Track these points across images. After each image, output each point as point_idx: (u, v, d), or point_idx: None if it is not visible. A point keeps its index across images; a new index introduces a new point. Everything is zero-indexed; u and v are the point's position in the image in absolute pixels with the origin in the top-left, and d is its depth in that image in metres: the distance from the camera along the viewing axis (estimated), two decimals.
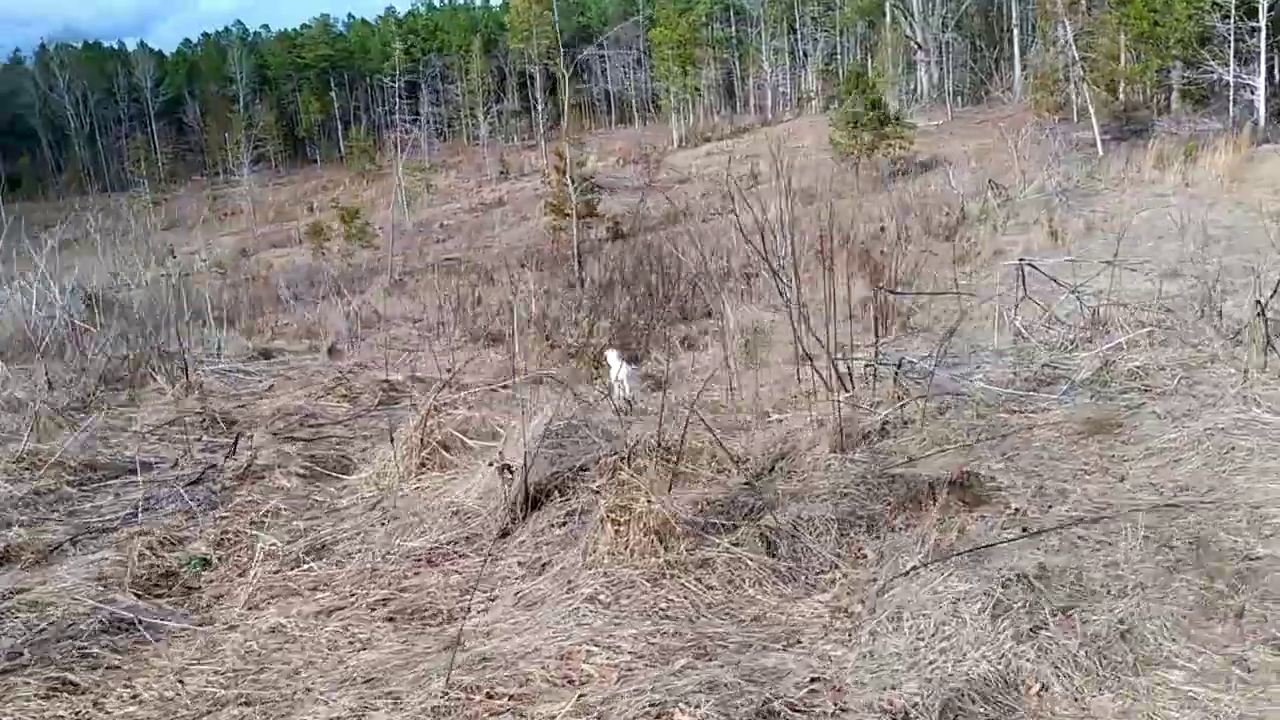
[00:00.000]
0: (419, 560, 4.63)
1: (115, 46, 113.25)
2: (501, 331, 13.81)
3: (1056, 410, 6.41)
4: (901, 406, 6.69)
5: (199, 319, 23.02)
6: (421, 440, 5.99)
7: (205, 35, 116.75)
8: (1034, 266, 9.58)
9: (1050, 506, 4.90)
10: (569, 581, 4.10)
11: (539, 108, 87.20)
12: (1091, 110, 37.80)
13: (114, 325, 12.48)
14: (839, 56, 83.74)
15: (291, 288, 31.35)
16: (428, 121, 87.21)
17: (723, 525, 4.52)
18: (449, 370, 8.92)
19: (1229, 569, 4.05)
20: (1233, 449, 5.32)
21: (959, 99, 64.04)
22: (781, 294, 7.15)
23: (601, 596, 3.96)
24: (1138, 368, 7.00)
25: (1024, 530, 4.57)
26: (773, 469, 5.50)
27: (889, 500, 4.99)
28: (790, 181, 8.49)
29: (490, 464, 4.94)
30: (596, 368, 11.09)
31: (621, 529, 4.18)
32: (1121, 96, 42.92)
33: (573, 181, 32.10)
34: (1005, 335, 9.10)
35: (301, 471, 6.51)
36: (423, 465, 6.00)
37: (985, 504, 4.89)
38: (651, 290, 13.68)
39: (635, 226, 37.18)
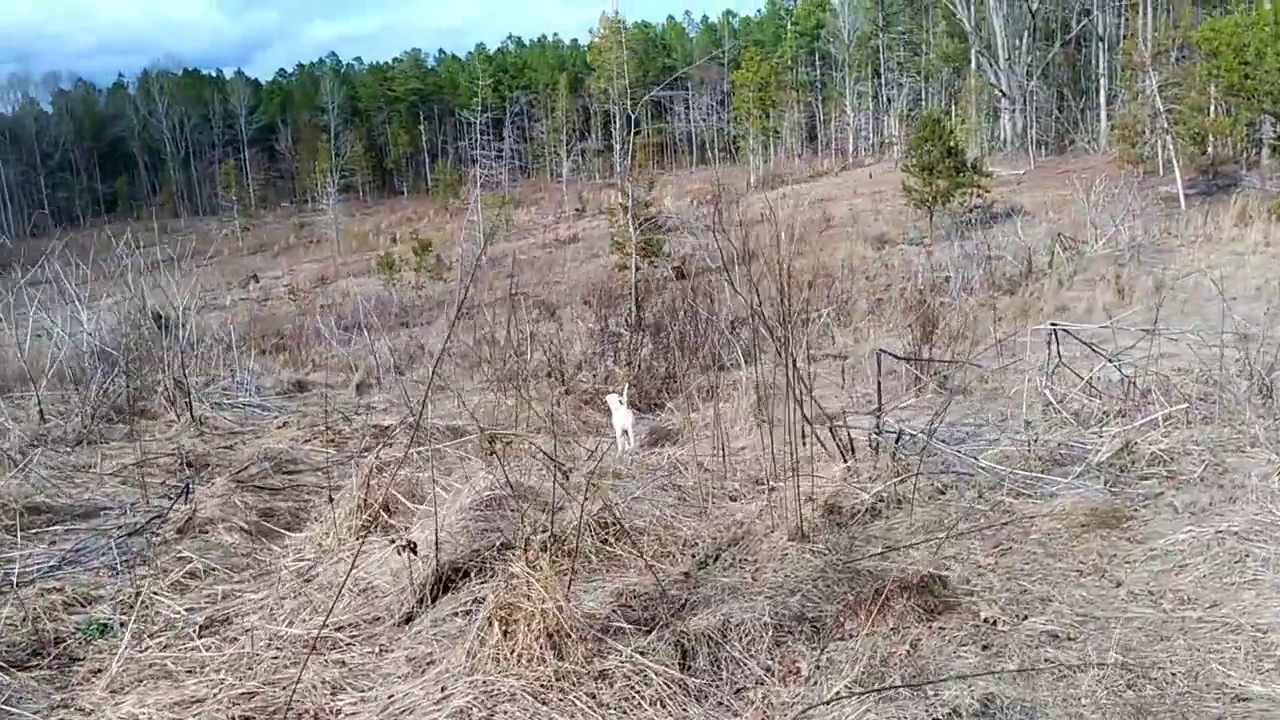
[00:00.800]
0: (306, 646, 4.18)
1: (214, 74, 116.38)
2: (538, 370, 13.47)
3: (1065, 497, 5.79)
4: (899, 482, 6.13)
5: (252, 346, 23.15)
6: (364, 501, 5.58)
7: (300, 66, 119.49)
8: (1067, 331, 8.91)
9: (1025, 617, 4.29)
10: (444, 689, 3.61)
11: (618, 146, 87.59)
12: (1176, 164, 36.63)
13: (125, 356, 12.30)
14: (923, 102, 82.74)
15: (350, 319, 31.52)
16: (511, 157, 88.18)
17: (638, 627, 4.01)
18: (421, 422, 8.52)
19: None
20: (1247, 556, 4.66)
21: (1043, 148, 62.71)
22: (778, 352, 6.59)
23: (474, 712, 3.47)
24: (1164, 450, 6.33)
25: (984, 648, 3.99)
26: (717, 557, 4.95)
27: (846, 600, 4.43)
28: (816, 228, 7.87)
29: (392, 541, 4.50)
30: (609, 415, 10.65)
31: (510, 630, 3.69)
32: (1209, 150, 41.60)
33: (635, 221, 31.74)
34: (1036, 405, 8.45)
35: (248, 526, 6.14)
36: (365, 528, 5.58)
37: (951, 611, 4.30)
38: (683, 335, 13.15)
39: (698, 267, 36.85)
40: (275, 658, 4.14)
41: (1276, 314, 12.91)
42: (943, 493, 6.09)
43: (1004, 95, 66.70)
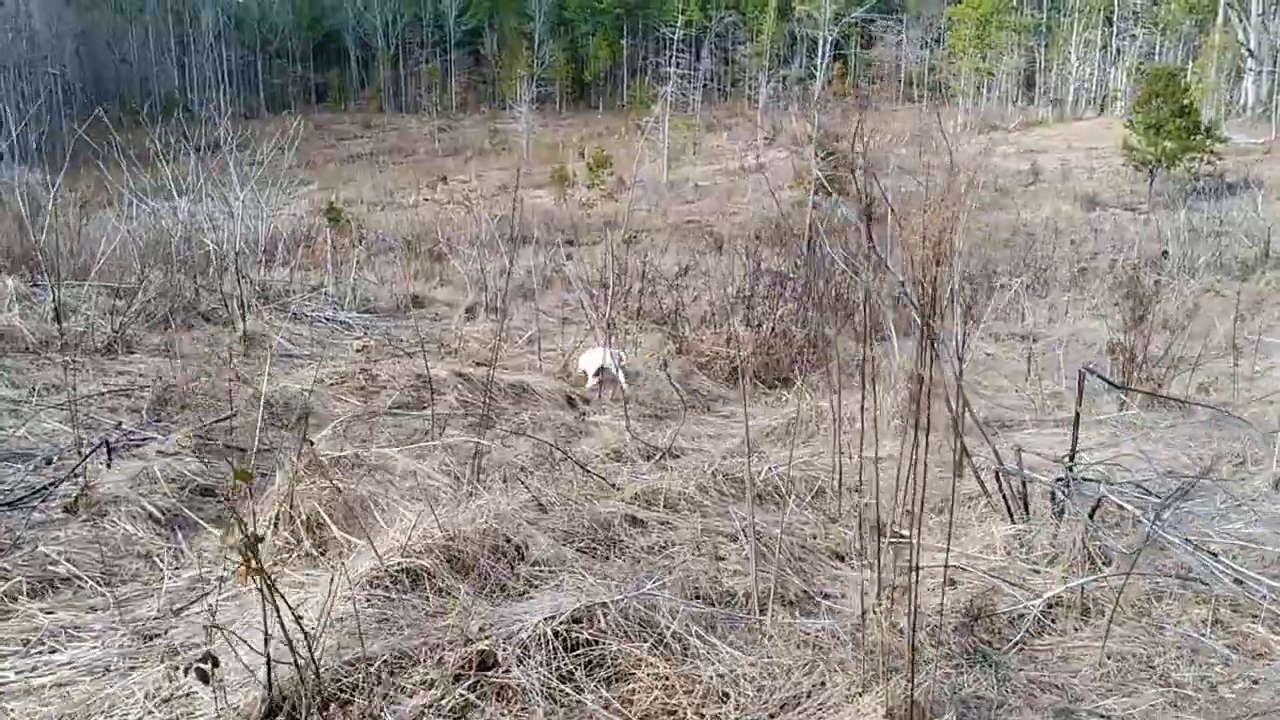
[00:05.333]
0: None
1: None
2: (672, 311, 11.61)
3: None
4: (1082, 583, 4.03)
5: (392, 251, 21.96)
6: (283, 515, 3.87)
7: None
8: None
9: None
10: None
11: (820, 75, 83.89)
12: None
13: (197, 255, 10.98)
14: (1156, 55, 76.04)
15: (517, 231, 30.29)
16: (710, 79, 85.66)
17: None
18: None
19: None
20: None
21: None
22: (931, 343, 4.50)
23: None
24: None
25: None
26: None
27: None
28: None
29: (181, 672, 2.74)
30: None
31: None
32: None
33: (818, 152, 29.24)
34: None
35: (162, 513, 4.52)
36: (287, 548, 3.88)
37: None
38: (837, 293, 11.01)
39: (886, 210, 34.18)
40: None
41: None
42: (1159, 599, 3.97)
43: (1251, 55, 60.28)
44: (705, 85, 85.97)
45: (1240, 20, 61.64)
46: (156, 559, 4.21)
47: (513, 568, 3.54)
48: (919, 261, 4.43)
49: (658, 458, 5.56)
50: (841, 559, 4.50)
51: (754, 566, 3.59)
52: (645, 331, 9.97)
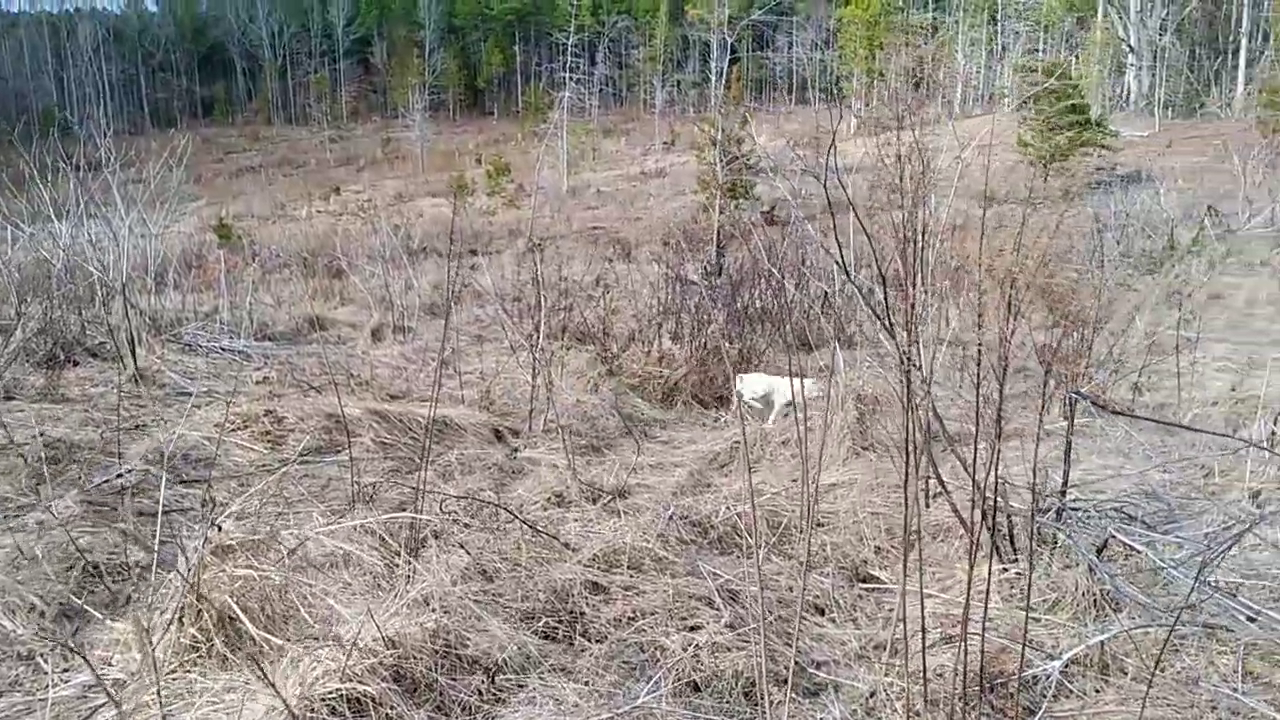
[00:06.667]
0: None
1: None
2: (593, 328, 11.02)
3: None
4: (1103, 639, 3.64)
5: (287, 269, 21.03)
6: (189, 607, 3.29)
7: None
8: None
9: None
10: None
11: (714, 79, 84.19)
12: None
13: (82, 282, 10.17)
14: (1040, 53, 77.86)
15: (418, 243, 29.60)
16: (605, 84, 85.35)
17: None
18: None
19: None
20: None
21: (1169, 111, 58.09)
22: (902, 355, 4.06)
23: None
24: None
25: None
26: None
27: None
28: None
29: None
30: (692, 405, 8.25)
31: None
32: None
33: (722, 157, 29.03)
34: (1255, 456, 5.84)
35: (45, 605, 3.88)
36: (194, 647, 3.30)
37: None
38: (765, 306, 10.64)
39: (791, 214, 34.13)
40: None
41: None
42: (1179, 644, 3.61)
43: (1131, 50, 61.98)
44: (601, 90, 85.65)
45: (1120, 17, 63.33)
46: (41, 661, 3.59)
47: (472, 678, 3.01)
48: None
49: (605, 501, 5.07)
50: (821, 612, 4.07)
51: (763, 654, 3.12)
52: (570, 350, 9.42)
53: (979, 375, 4.26)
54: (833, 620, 3.98)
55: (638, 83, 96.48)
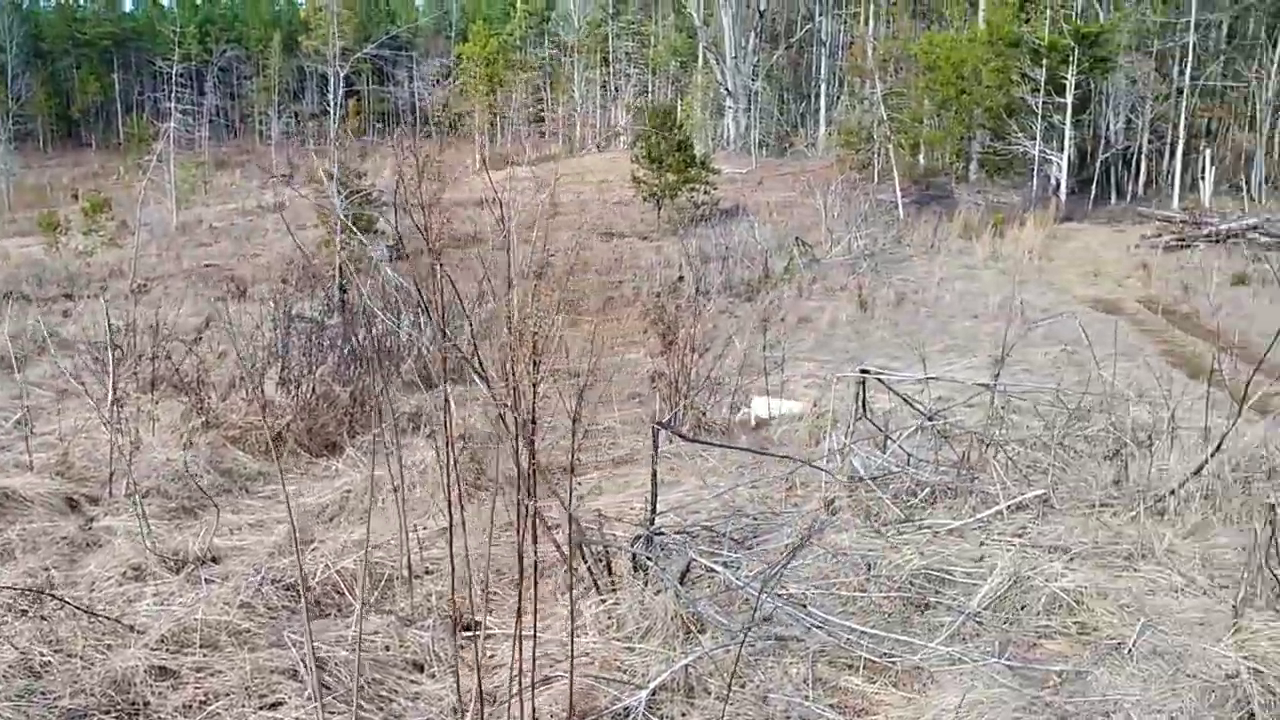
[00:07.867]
0: None
1: None
2: (193, 378, 10.26)
3: (952, 690, 3.65)
4: (685, 664, 3.79)
5: None
6: None
7: None
8: (881, 380, 6.94)
9: None
10: None
11: (333, 112, 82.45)
12: (895, 172, 36.84)
13: None
14: (650, 94, 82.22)
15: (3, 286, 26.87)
16: (216, 115, 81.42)
17: None
18: None
19: None
20: None
21: (764, 149, 62.99)
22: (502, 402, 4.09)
23: None
24: (1066, 590, 4.31)
25: None
26: None
27: None
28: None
29: None
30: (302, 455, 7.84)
31: None
32: (922, 161, 42.49)
33: (341, 190, 28.41)
34: (839, 472, 6.38)
35: None
36: None
37: None
38: (380, 343, 10.43)
39: (418, 248, 33.85)
40: None
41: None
42: (754, 663, 3.83)
43: (729, 94, 66.63)
44: (212, 121, 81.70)
45: (718, 63, 67.91)
46: None
47: None
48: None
49: (189, 570, 4.72)
50: (421, 669, 3.99)
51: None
52: (162, 403, 8.76)
53: (578, 408, 4.30)
54: (432, 675, 3.91)
55: (252, 114, 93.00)
